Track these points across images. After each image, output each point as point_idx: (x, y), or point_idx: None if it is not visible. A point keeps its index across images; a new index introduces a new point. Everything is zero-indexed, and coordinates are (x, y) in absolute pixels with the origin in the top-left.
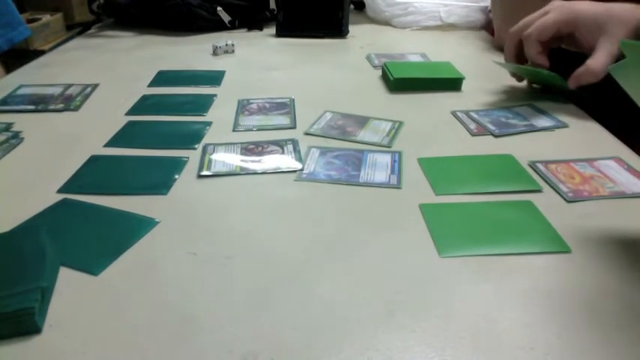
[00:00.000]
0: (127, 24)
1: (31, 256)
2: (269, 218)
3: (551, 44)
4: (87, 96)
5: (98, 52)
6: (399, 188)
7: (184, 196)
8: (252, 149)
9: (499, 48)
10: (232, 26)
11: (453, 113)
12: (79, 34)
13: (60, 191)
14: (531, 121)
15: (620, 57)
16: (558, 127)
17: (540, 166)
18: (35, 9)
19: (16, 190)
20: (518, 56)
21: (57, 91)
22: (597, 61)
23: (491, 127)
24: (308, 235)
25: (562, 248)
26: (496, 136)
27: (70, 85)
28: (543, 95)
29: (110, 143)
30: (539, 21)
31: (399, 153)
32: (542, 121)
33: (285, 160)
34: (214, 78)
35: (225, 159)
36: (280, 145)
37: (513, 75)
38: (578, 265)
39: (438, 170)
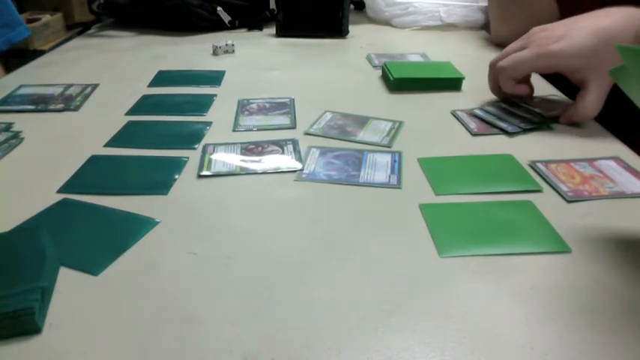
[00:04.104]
0: (127, 24)
1: (31, 256)
2: (269, 218)
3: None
4: (87, 96)
5: (98, 52)
6: (399, 188)
7: (184, 196)
8: (252, 149)
9: (497, 45)
10: (232, 26)
11: (453, 113)
12: (79, 34)
13: (60, 191)
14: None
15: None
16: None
17: (540, 166)
18: (35, 9)
19: (16, 190)
20: (500, 88)
21: (57, 91)
22: (587, 102)
23: (502, 124)
24: (308, 235)
25: (562, 248)
26: (509, 134)
27: (70, 85)
28: (542, 93)
29: (110, 143)
30: (514, 56)
31: (399, 153)
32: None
33: (285, 160)
34: (214, 78)
35: (225, 159)
36: (280, 145)
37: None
38: (578, 265)
39: (438, 170)
